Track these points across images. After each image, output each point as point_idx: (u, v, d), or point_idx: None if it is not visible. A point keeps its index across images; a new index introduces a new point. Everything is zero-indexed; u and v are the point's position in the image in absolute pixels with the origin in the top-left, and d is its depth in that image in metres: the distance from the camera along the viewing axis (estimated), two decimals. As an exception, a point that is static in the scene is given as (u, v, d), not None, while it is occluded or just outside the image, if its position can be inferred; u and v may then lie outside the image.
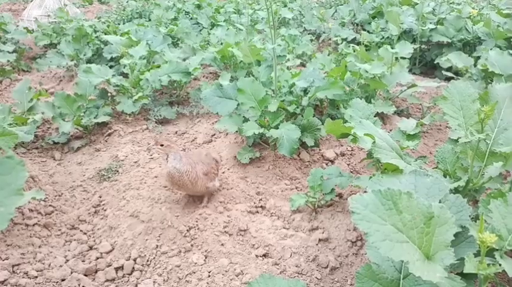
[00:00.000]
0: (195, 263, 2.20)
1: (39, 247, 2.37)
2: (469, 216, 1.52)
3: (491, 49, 3.95)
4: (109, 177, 3.06)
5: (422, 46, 5.64)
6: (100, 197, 2.83)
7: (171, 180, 2.47)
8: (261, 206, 2.74)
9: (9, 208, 0.89)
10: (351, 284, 2.10)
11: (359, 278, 1.37)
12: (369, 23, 6.46)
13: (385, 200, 1.17)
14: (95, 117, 3.66)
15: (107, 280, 2.18)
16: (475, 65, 4.05)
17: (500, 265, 1.16)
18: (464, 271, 1.16)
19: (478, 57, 4.33)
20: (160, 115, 3.98)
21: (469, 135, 1.77)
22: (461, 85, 1.93)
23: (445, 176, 2.14)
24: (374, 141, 1.80)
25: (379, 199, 1.17)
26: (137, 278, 2.17)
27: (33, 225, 2.51)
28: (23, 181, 0.89)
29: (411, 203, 1.17)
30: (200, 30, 6.62)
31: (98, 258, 2.31)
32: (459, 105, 1.87)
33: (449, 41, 5.27)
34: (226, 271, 2.13)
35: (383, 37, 5.68)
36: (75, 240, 2.47)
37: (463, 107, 1.87)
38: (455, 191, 1.92)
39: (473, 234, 1.23)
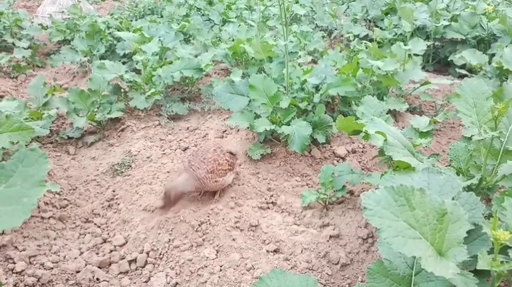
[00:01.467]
0: (207, 257, 2.23)
1: (55, 239, 2.43)
2: (482, 214, 1.51)
3: (506, 46, 3.89)
4: (122, 172, 3.11)
5: (436, 43, 5.58)
6: (113, 191, 2.87)
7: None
8: (272, 202, 2.76)
9: (33, 199, 0.92)
10: (361, 281, 2.11)
11: (370, 274, 1.38)
12: (382, 20, 6.40)
13: (398, 196, 1.17)
14: (108, 113, 3.71)
15: (121, 273, 2.22)
16: (489, 63, 4.00)
17: (513, 262, 1.16)
18: (477, 268, 1.16)
19: (493, 55, 4.27)
20: (172, 111, 4.02)
21: (482, 133, 1.76)
22: (475, 82, 1.91)
23: (458, 174, 2.13)
24: (386, 139, 1.80)
25: (391, 195, 1.17)
26: (150, 271, 2.20)
27: (49, 218, 2.57)
28: (46, 172, 0.92)
29: (424, 200, 1.18)
30: (212, 27, 6.64)
31: (111, 251, 2.35)
32: (472, 102, 1.85)
33: (464, 38, 5.20)
34: (237, 266, 2.16)
35: (396, 34, 5.63)
36: (89, 233, 2.52)
37: (477, 104, 1.85)
38: (469, 189, 1.91)
39: (486, 231, 1.22)
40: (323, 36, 6.59)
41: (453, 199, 1.51)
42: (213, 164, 2.54)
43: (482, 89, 1.91)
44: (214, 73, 5.11)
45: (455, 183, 1.55)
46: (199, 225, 2.44)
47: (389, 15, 6.44)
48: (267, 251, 2.30)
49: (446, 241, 1.16)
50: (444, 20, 5.44)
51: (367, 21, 6.94)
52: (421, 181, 1.57)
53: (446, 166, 2.29)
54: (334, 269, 2.18)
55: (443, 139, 3.59)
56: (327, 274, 2.14)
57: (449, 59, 4.89)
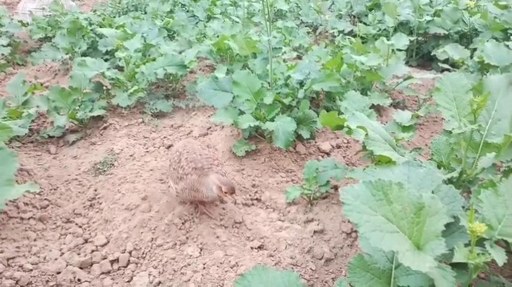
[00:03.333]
0: (190, 255, 2.21)
1: (35, 240, 2.38)
2: (462, 207, 1.52)
3: (487, 41, 3.94)
4: (104, 170, 3.06)
5: (419, 38, 5.62)
6: (95, 190, 2.82)
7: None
8: (257, 199, 2.75)
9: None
10: (345, 275, 2.11)
11: (351, 269, 1.38)
12: (366, 15, 6.43)
13: (376, 191, 1.17)
14: (90, 111, 3.64)
15: (103, 273, 2.19)
16: (471, 57, 4.04)
17: (490, 254, 1.17)
18: (453, 260, 1.17)
19: (475, 49, 4.32)
20: (156, 108, 3.97)
21: (462, 126, 1.77)
22: (455, 76, 1.93)
23: (439, 167, 2.14)
24: (367, 134, 1.80)
25: (369, 189, 1.17)
26: (132, 271, 2.17)
27: (29, 219, 2.51)
28: (14, 171, 0.89)
29: (402, 194, 1.18)
30: (196, 23, 6.58)
31: (93, 251, 2.31)
32: (452, 96, 1.86)
33: (446, 33, 5.25)
34: (221, 263, 2.14)
35: (380, 29, 5.66)
36: (70, 233, 2.47)
37: (456, 98, 1.86)
38: (449, 182, 1.92)
39: (464, 224, 1.23)
40: (308, 32, 6.59)
41: (433, 192, 1.52)
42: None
43: (462, 82, 1.92)
44: (199, 70, 5.06)
45: (435, 176, 1.56)
46: (182, 223, 2.41)
47: (373, 10, 6.47)
48: (251, 247, 2.29)
49: (424, 234, 1.16)
50: (427, 15, 5.49)
51: (352, 16, 6.97)
52: (402, 175, 1.58)
53: (428, 160, 2.30)
54: (318, 264, 2.18)
55: (426, 133, 3.63)
56: (310, 269, 2.14)
57: (432, 54, 4.93)
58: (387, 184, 1.18)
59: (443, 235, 1.24)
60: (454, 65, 4.24)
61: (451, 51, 4.07)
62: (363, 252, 1.49)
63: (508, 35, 4.67)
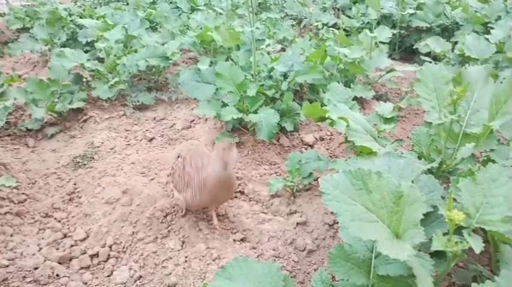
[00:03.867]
0: (172, 248, 2.18)
1: (11, 235, 2.31)
2: (442, 197, 1.54)
3: (468, 34, 3.99)
4: (84, 164, 2.99)
5: (402, 31, 5.67)
6: (75, 184, 2.76)
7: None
8: (240, 191, 2.73)
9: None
10: (327, 266, 2.12)
11: (331, 259, 1.37)
12: (350, 8, 6.45)
13: (355, 180, 1.17)
14: (69, 103, 3.56)
15: (82, 268, 2.14)
16: (452, 50, 4.09)
17: (467, 242, 1.18)
18: (432, 249, 1.17)
19: (456, 43, 4.38)
20: (138, 101, 3.90)
21: (442, 117, 1.79)
22: (435, 67, 1.93)
23: (420, 158, 2.16)
24: (348, 125, 1.79)
25: (349, 179, 1.16)
26: (113, 265, 2.13)
27: (5, 213, 2.44)
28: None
29: (381, 183, 1.17)
30: (180, 15, 6.49)
31: (72, 246, 2.26)
32: (433, 87, 1.87)
33: (428, 26, 5.30)
34: (203, 256, 2.12)
35: (363, 22, 5.68)
36: (49, 228, 2.41)
37: (437, 89, 1.87)
38: (429, 172, 1.94)
39: (442, 213, 1.24)
40: (292, 25, 6.57)
41: (413, 182, 1.52)
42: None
43: (442, 73, 1.93)
44: (182, 62, 5.00)
45: (415, 166, 1.56)
46: (164, 216, 2.38)
47: (357, 3, 6.48)
48: (234, 240, 2.27)
49: (403, 223, 1.16)
50: (410, 8, 5.53)
51: (336, 9, 6.97)
52: (382, 165, 1.58)
53: (409, 151, 2.32)
54: (301, 256, 2.18)
55: (408, 126, 3.66)
56: (293, 260, 2.14)
57: (414, 47, 4.97)
58: (367, 173, 1.17)
59: (423, 224, 1.24)
60: (436, 58, 4.29)
61: (433, 44, 4.11)
62: (344, 243, 1.49)
63: (488, 28, 4.74)
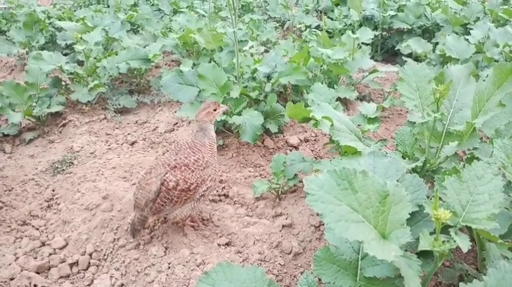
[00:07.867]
0: (155, 255, 2.12)
1: (-14, 245, 2.22)
2: (427, 196, 1.52)
3: (448, 35, 4.04)
4: (63, 169, 2.90)
5: (384, 33, 5.72)
6: (53, 190, 2.67)
7: None
8: (224, 195, 2.69)
9: None
10: (313, 269, 2.09)
11: (317, 261, 1.34)
12: (332, 10, 6.48)
13: (341, 180, 1.14)
14: (47, 107, 3.46)
15: (61, 277, 2.07)
16: (433, 51, 4.14)
17: (455, 241, 1.16)
18: (419, 248, 1.15)
19: (437, 43, 4.43)
20: (120, 104, 3.82)
21: (425, 116, 1.78)
22: (417, 66, 1.93)
23: (404, 157, 2.15)
24: (332, 124, 1.77)
25: (334, 179, 1.14)
26: (93, 274, 2.06)
27: (-21, 222, 2.34)
28: None
29: (366, 182, 1.15)
30: (162, 17, 6.41)
31: (51, 254, 2.18)
32: (415, 86, 1.87)
33: (410, 27, 5.36)
34: (187, 262, 2.07)
35: (346, 24, 5.71)
36: (26, 236, 2.33)
37: (419, 87, 1.87)
38: (414, 171, 1.93)
39: (428, 211, 1.22)
40: (276, 27, 6.56)
41: (398, 181, 1.51)
42: None
43: (425, 72, 1.93)
44: (165, 65, 4.93)
45: (400, 166, 1.55)
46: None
47: (339, 6, 6.52)
48: (219, 244, 2.22)
49: (389, 223, 1.14)
50: (391, 10, 5.58)
51: (319, 12, 7.00)
52: (367, 165, 1.56)
53: (393, 151, 2.32)
54: (287, 259, 2.15)
55: (391, 126, 3.68)
56: (279, 264, 2.10)
57: (396, 49, 5.02)
58: (352, 173, 1.15)
59: (409, 224, 1.22)
60: (418, 59, 4.34)
61: (414, 45, 4.16)
62: (330, 244, 1.46)
63: (467, 29, 4.82)
